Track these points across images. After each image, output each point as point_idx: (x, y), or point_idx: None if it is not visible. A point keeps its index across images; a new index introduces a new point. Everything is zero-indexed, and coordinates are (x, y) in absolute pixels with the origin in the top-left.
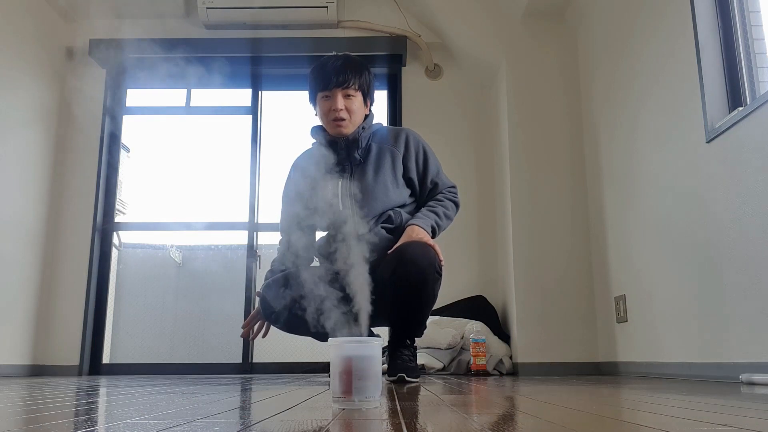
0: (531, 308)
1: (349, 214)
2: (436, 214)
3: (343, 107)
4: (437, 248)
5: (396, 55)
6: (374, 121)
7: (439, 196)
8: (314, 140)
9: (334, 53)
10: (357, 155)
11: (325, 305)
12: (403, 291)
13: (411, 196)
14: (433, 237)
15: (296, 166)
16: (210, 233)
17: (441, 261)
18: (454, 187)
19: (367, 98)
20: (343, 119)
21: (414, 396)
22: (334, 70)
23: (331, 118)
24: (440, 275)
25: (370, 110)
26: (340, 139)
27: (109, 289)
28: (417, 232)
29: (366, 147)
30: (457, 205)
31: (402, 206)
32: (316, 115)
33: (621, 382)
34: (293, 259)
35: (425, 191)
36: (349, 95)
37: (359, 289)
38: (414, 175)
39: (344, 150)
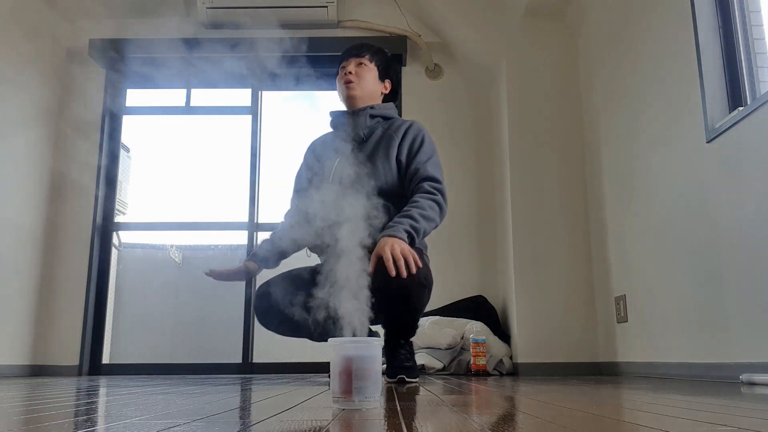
0: (531, 308)
1: (335, 195)
2: (410, 217)
3: (353, 71)
4: (410, 259)
5: (396, 55)
6: (390, 109)
7: (415, 197)
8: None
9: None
10: (361, 133)
11: (315, 312)
12: (388, 306)
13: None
14: (412, 244)
15: (311, 148)
16: (210, 233)
17: (420, 267)
18: (437, 182)
19: (384, 77)
20: (351, 81)
21: (414, 396)
22: (351, 47)
23: (342, 82)
24: (425, 285)
25: (390, 94)
26: (349, 115)
27: (109, 289)
28: (390, 244)
29: (372, 127)
30: (438, 203)
31: (391, 191)
32: (341, 99)
33: (621, 382)
34: (288, 243)
35: (408, 177)
36: (361, 63)
37: (351, 291)
38: (404, 158)
39: (350, 126)
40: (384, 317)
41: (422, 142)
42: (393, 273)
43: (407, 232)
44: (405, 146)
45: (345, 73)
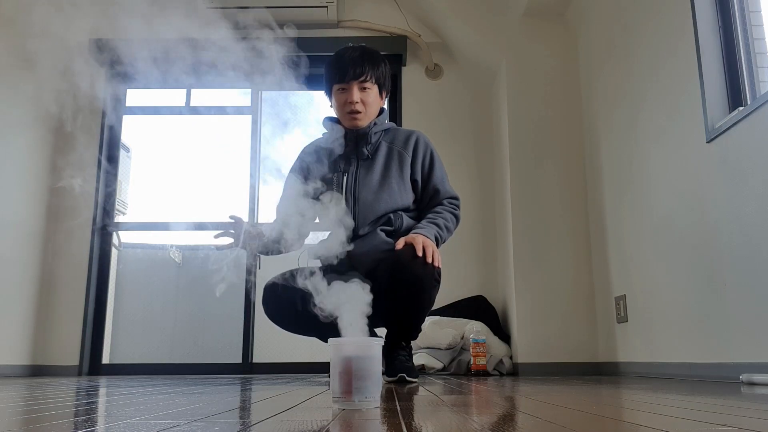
0: (531, 308)
1: (350, 214)
2: (437, 225)
3: (359, 100)
4: (437, 254)
5: (396, 55)
6: (386, 119)
7: (438, 208)
8: (325, 130)
9: (350, 44)
10: (365, 150)
11: (321, 309)
12: (400, 296)
13: (414, 201)
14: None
15: (304, 155)
16: (210, 233)
17: (437, 265)
18: (456, 198)
19: (383, 90)
20: (358, 112)
21: (414, 396)
22: (351, 62)
23: (346, 111)
24: (438, 282)
25: (384, 103)
26: (350, 131)
27: (109, 289)
28: (422, 237)
29: (375, 144)
30: (457, 218)
31: (406, 210)
32: (331, 106)
33: (621, 382)
34: (283, 240)
35: (426, 197)
36: (365, 88)
37: (356, 294)
38: (419, 177)
39: (353, 143)
40: (391, 313)
41: (432, 158)
42: (420, 253)
43: (435, 237)
44: (418, 165)
45: (349, 102)
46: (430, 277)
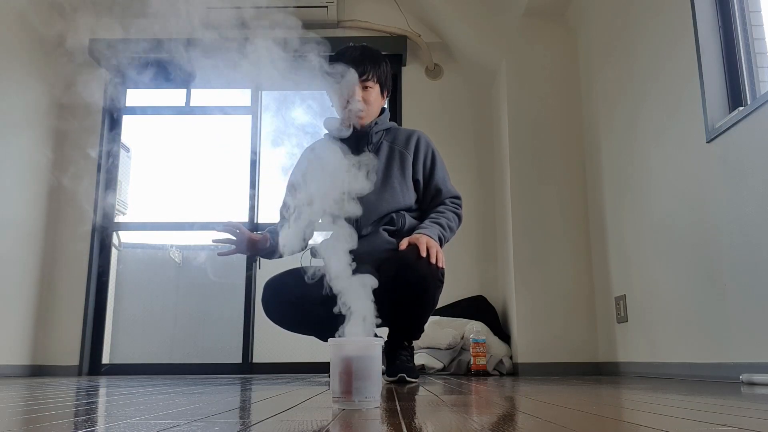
0: (531, 308)
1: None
2: (440, 225)
3: (360, 99)
4: (440, 254)
5: (396, 55)
6: (388, 119)
7: (440, 208)
8: (326, 131)
9: (351, 44)
10: (367, 150)
11: (323, 307)
12: (404, 296)
13: (416, 201)
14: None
15: (306, 156)
16: (210, 233)
17: (441, 266)
18: (458, 197)
19: (384, 89)
20: (361, 110)
21: (414, 396)
22: (352, 61)
23: (351, 111)
24: (441, 282)
25: (385, 102)
26: (350, 131)
27: (109, 289)
28: (426, 238)
29: (377, 143)
30: (459, 217)
31: (408, 210)
32: (332, 105)
33: (621, 382)
34: (286, 243)
35: (428, 196)
36: (366, 87)
37: (359, 293)
38: (420, 177)
39: (354, 143)
40: (394, 313)
41: (433, 157)
42: (424, 254)
43: (439, 237)
44: (419, 165)
45: (355, 101)
46: (434, 277)
